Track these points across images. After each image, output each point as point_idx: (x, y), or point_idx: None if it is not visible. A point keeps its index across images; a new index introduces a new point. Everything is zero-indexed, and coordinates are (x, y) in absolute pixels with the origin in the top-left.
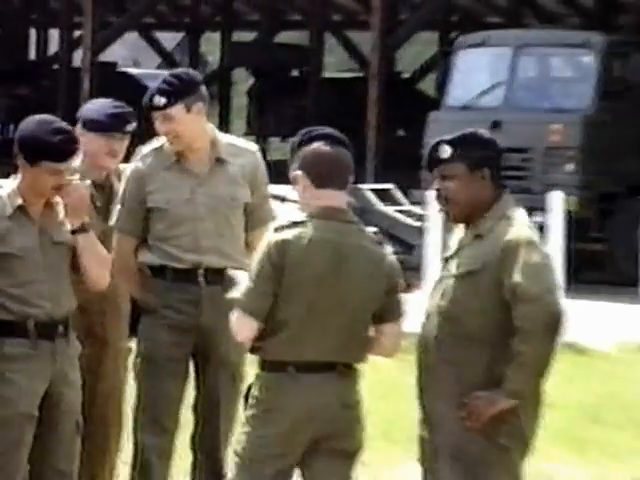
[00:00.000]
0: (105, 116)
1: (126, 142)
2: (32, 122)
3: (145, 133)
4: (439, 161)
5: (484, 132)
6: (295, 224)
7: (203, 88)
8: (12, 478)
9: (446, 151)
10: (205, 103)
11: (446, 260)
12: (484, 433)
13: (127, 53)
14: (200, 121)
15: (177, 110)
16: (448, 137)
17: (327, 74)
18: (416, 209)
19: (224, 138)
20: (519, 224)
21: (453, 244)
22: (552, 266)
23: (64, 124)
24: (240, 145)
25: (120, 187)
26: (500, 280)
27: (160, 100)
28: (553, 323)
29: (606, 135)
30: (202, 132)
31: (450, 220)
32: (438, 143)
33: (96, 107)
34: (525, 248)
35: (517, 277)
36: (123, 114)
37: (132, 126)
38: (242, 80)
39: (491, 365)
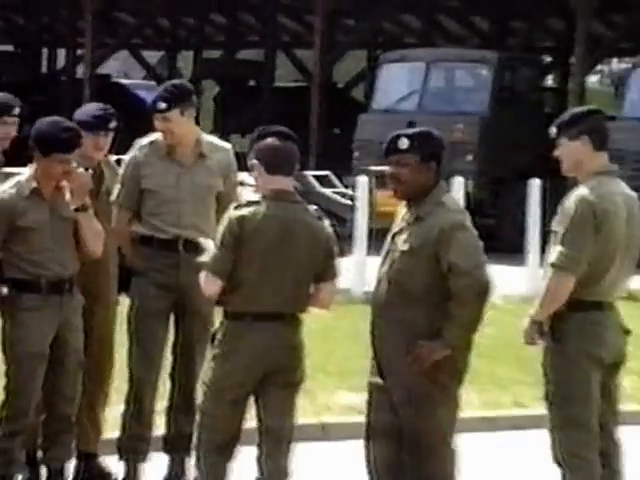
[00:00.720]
0: (91, 117)
1: (110, 137)
2: (45, 122)
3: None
4: (397, 150)
5: (435, 131)
6: (251, 203)
7: (194, 97)
8: (29, 403)
9: (404, 143)
10: (194, 109)
11: (393, 236)
12: (428, 375)
13: (119, 67)
14: (190, 123)
15: (174, 114)
16: (408, 131)
17: (278, 84)
18: (348, 191)
19: (206, 137)
20: (453, 210)
21: (398, 222)
22: (481, 245)
23: (70, 123)
24: (218, 144)
25: (107, 173)
26: (438, 256)
27: (162, 105)
28: (482, 293)
29: (498, 133)
30: (190, 132)
31: (396, 198)
32: (398, 136)
33: (84, 110)
34: (458, 231)
35: (452, 255)
36: (105, 115)
37: (113, 124)
38: (210, 88)
39: (430, 321)
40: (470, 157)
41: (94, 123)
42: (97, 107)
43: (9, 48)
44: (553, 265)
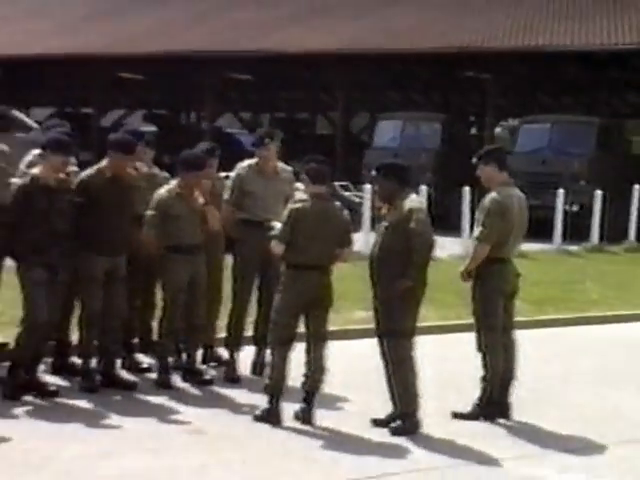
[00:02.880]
0: (201, 150)
1: (216, 161)
2: (185, 153)
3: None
4: (374, 175)
5: (398, 161)
6: (302, 200)
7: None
8: (175, 316)
9: (374, 172)
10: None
11: (383, 218)
12: (398, 297)
13: (226, 122)
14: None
15: (273, 145)
16: (379, 164)
17: (318, 132)
18: (359, 194)
19: (278, 162)
20: (414, 200)
21: (384, 210)
22: (429, 221)
23: (201, 155)
24: (284, 166)
25: (221, 183)
26: (405, 227)
27: (267, 140)
28: (429, 247)
29: (446, 160)
30: (274, 158)
31: (381, 201)
32: (376, 167)
33: (199, 147)
34: (416, 211)
35: (412, 224)
36: (212, 148)
37: (217, 152)
38: (278, 135)
39: (403, 269)
40: (428, 174)
41: (206, 153)
42: (206, 144)
43: (163, 111)
44: (477, 238)
